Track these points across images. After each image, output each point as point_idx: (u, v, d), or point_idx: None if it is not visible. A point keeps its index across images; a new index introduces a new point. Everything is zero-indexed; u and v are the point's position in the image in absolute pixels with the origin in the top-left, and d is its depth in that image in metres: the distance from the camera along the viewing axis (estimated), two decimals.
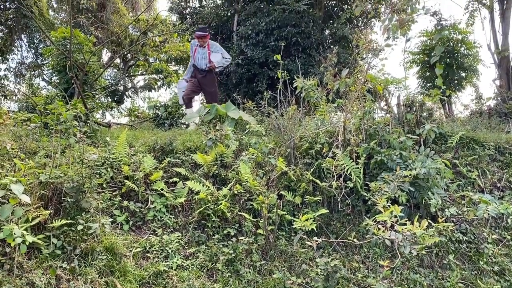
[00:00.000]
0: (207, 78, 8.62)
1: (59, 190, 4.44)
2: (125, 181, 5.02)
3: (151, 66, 16.37)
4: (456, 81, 12.41)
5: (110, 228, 4.34)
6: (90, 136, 6.22)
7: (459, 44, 12.23)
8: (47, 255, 3.83)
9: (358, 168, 5.33)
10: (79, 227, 4.08)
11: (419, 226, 3.63)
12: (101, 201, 4.60)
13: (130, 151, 5.70)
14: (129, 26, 15.53)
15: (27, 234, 3.55)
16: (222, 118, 7.94)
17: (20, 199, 3.54)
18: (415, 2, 4.85)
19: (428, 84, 12.89)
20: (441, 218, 4.46)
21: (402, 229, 3.65)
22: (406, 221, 3.91)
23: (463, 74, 12.50)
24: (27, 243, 3.51)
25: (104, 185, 4.94)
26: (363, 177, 5.42)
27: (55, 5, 19.16)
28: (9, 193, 3.63)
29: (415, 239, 3.81)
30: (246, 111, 8.47)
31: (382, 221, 3.89)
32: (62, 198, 4.37)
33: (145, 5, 18.75)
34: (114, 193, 4.97)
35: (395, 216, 3.79)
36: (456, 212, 5.02)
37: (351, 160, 5.41)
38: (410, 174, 4.81)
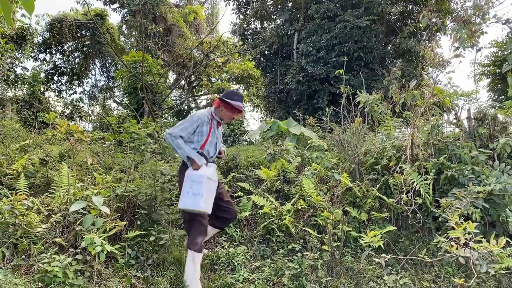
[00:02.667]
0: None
1: (133, 203, 4.70)
2: None
3: (213, 85, 16.94)
4: None
5: (179, 239, 4.50)
6: (160, 153, 6.54)
7: None
8: (122, 264, 4.04)
9: (427, 183, 5.14)
10: (152, 238, 4.27)
11: (496, 244, 3.43)
12: (171, 214, 4.80)
13: None
14: (193, 49, 16.20)
15: (106, 244, 3.79)
16: (283, 134, 8.02)
17: (100, 210, 3.80)
18: (486, 11, 4.66)
19: (501, 97, 12.21)
20: None
21: (478, 247, 3.46)
22: (481, 237, 3.71)
23: None
24: (105, 252, 3.75)
25: (173, 199, 5.16)
26: (433, 193, 5.22)
27: (125, 32, 20.51)
28: (90, 204, 3.91)
29: (492, 257, 3.60)
30: (307, 127, 8.49)
31: (455, 238, 3.72)
32: (136, 211, 4.61)
33: (208, 28, 19.52)
34: None
35: (469, 233, 3.60)
36: None
37: (420, 176, 5.24)
38: (484, 190, 4.57)
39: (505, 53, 11.75)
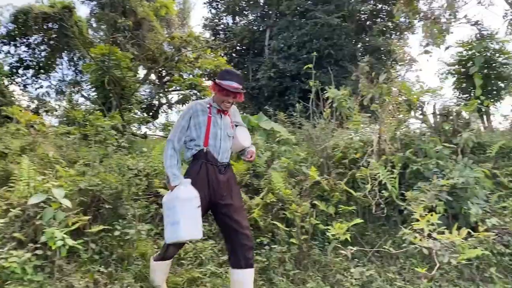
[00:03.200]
0: (230, 181, 3.57)
1: (98, 197, 4.58)
2: (161, 190, 5.12)
3: (185, 81, 16.73)
4: (494, 92, 12.03)
5: (146, 234, 4.41)
6: (127, 147, 6.41)
7: (497, 54, 11.88)
8: (85, 259, 3.93)
9: (393, 177, 5.22)
10: (116, 233, 4.17)
11: (458, 235, 3.52)
12: (138, 209, 4.70)
13: None
14: (163, 43, 15.98)
15: (67, 238, 3.67)
16: (254, 129, 8.01)
17: (61, 204, 3.68)
18: (457, 10, 4.77)
19: (465, 95, 12.57)
20: (481, 228, 4.30)
21: (440, 237, 3.54)
22: (444, 229, 3.79)
23: (502, 85, 12.11)
24: (67, 247, 3.63)
25: (140, 193, 5.06)
26: (399, 187, 5.31)
27: (94, 25, 20.02)
28: (51, 197, 3.78)
29: (454, 248, 3.68)
30: (278, 123, 8.51)
31: (419, 230, 3.79)
32: (100, 205, 4.49)
33: (180, 23, 19.29)
34: (150, 199, 5.09)
35: (432, 224, 3.68)
36: (498, 222, 4.81)
37: (386, 170, 5.32)
38: (448, 183, 4.68)
39: (470, 52, 12.11)
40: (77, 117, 8.15)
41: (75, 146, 6.01)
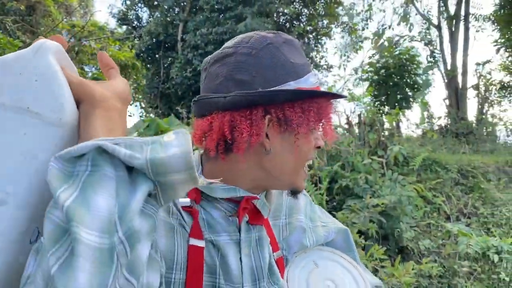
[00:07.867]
0: None
1: None
2: None
3: (87, 75, 15.04)
4: (404, 100, 12.40)
5: None
6: None
7: (408, 63, 12.25)
8: None
9: (320, 194, 4.69)
10: None
11: (404, 271, 3.02)
12: None
13: None
14: (62, 31, 14.19)
15: None
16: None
17: None
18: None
19: (377, 103, 12.79)
20: (416, 254, 3.91)
21: (387, 279, 3.02)
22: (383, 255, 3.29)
23: (410, 93, 12.54)
24: None
25: None
26: (326, 204, 4.80)
27: None
28: None
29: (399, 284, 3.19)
30: (191, 127, 7.66)
31: None
32: None
33: (81, 11, 17.47)
34: None
35: (376, 259, 3.15)
36: (431, 245, 4.52)
37: (313, 185, 4.78)
38: (382, 203, 4.24)
39: (383, 60, 12.30)
40: None
41: None
